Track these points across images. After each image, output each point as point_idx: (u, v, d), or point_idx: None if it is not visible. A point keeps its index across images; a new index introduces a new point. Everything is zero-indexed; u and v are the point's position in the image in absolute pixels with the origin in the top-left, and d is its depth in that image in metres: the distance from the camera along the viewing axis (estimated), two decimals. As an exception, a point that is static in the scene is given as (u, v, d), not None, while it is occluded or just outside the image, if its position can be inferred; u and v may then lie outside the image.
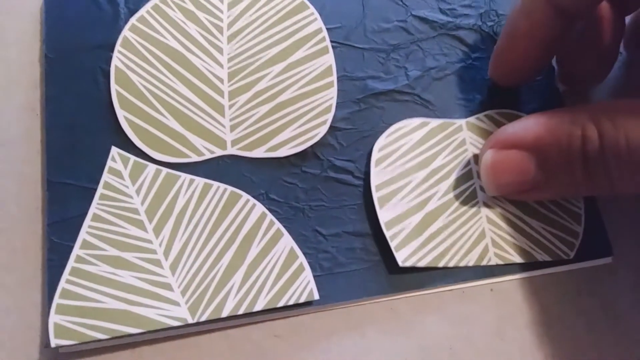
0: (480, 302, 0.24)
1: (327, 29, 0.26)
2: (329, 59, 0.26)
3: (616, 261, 0.25)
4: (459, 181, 0.25)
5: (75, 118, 0.24)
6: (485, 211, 0.24)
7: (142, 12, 0.25)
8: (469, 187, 0.25)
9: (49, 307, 0.21)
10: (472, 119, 0.26)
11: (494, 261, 0.24)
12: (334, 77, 0.26)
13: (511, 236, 0.24)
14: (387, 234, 0.23)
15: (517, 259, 0.24)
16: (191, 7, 0.26)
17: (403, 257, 0.23)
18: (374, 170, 0.24)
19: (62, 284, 0.21)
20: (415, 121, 0.25)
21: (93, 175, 0.23)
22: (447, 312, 0.24)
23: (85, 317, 0.21)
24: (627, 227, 0.26)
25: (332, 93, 0.25)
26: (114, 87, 0.24)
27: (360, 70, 0.26)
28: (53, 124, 0.23)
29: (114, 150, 0.23)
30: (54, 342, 0.20)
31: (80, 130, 0.23)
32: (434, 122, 0.25)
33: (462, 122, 0.26)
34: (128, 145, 0.24)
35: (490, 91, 0.26)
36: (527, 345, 0.24)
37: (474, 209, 0.24)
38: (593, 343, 0.24)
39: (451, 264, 0.23)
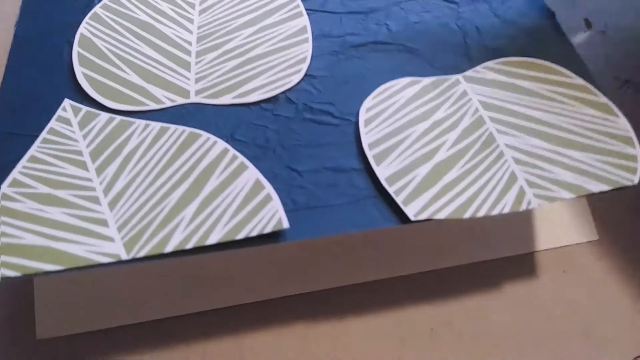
0: (461, 283, 0.21)
1: (302, 0, 0.25)
2: (304, 21, 0.24)
3: (600, 240, 0.22)
4: (469, 130, 0.21)
5: (34, 81, 0.22)
6: (510, 153, 0.20)
7: (115, -6, 0.25)
8: (483, 132, 0.21)
9: (-44, 245, 0.17)
10: (469, 72, 0.23)
11: (536, 203, 0.19)
12: (308, 35, 0.24)
13: (552, 172, 0.20)
14: (390, 189, 0.19)
15: (565, 194, 0.19)
16: (165, -10, 0.26)
17: (415, 211, 0.19)
18: (363, 130, 0.21)
19: (-22, 221, 0.18)
20: (404, 80, 0.23)
21: (41, 125, 0.21)
22: (427, 293, 0.21)
23: (-3, 254, 0.17)
24: (609, 209, 0.23)
25: (307, 47, 0.23)
26: (76, 49, 0.23)
27: (338, 29, 0.24)
28: (9, 86, 0.22)
29: (66, 102, 0.21)
30: (-49, 279, 0.16)
31: (35, 90, 0.22)
32: (426, 80, 0.23)
33: (457, 76, 0.23)
34: (84, 100, 0.22)
35: (485, 35, 0.24)
36: (510, 326, 0.20)
37: (495, 154, 0.20)
38: (579, 322, 0.21)
39: (481, 213, 0.19)
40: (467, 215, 0.18)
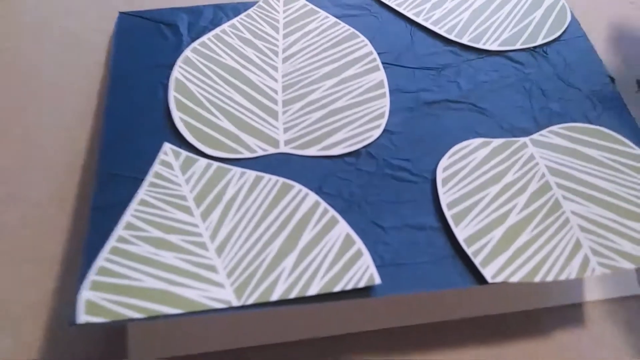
0: (512, 327, 0.22)
1: (378, 53, 0.27)
2: (381, 75, 0.26)
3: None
4: (536, 194, 0.23)
5: (132, 122, 0.24)
6: (575, 220, 0.22)
7: (204, 38, 0.27)
8: (550, 198, 0.23)
9: (81, 285, 0.19)
10: (535, 136, 0.25)
11: (600, 271, 0.21)
12: (386, 89, 0.26)
13: (614, 242, 0.21)
14: (469, 251, 0.21)
15: (626, 265, 0.21)
16: (249, 36, 0.27)
17: (492, 273, 0.20)
18: (441, 190, 0.23)
19: (100, 262, 0.19)
20: (477, 141, 0.24)
21: (143, 168, 0.22)
22: (480, 336, 0.22)
23: (121, 295, 0.19)
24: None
25: (385, 102, 0.25)
26: (172, 93, 0.25)
27: (412, 84, 0.26)
28: (110, 127, 0.24)
29: (167, 146, 0.23)
30: (82, 318, 0.18)
31: (135, 132, 0.24)
32: (496, 141, 0.24)
33: (525, 139, 0.25)
34: (181, 145, 0.23)
35: (550, 98, 0.26)
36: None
37: (561, 220, 0.22)
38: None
39: (549, 278, 0.20)
40: (537, 279, 0.20)
